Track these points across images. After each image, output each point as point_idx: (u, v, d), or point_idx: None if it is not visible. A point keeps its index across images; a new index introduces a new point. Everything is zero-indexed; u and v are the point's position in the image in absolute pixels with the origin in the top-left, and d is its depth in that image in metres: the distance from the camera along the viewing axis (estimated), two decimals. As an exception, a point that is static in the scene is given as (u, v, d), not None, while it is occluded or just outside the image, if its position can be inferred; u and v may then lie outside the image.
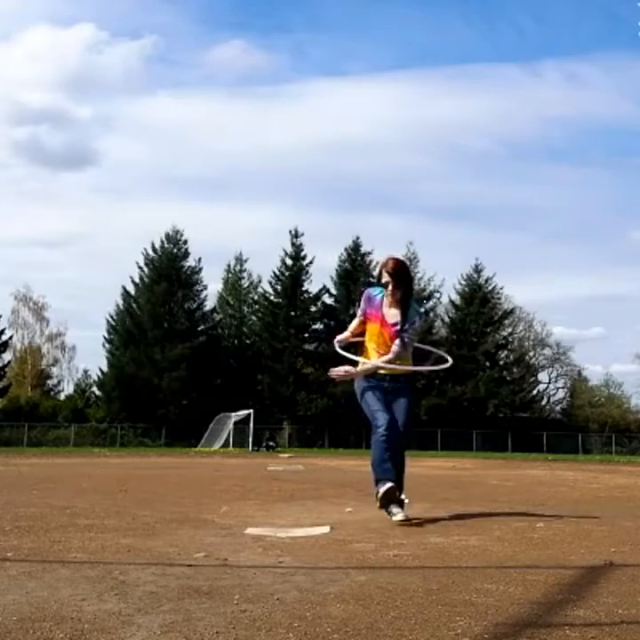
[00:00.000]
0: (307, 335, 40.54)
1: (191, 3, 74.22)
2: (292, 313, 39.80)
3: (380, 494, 4.30)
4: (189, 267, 40.20)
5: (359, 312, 4.71)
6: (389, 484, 4.28)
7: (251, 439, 30.37)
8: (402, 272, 4.53)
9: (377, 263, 41.88)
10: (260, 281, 44.50)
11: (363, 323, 4.67)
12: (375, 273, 4.68)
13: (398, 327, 4.47)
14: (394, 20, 73.50)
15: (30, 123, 69.92)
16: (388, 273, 4.46)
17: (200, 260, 40.53)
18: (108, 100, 72.26)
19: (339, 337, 4.72)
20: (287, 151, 70.65)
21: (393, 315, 4.50)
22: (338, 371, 4.58)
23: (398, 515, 4.27)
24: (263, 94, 70.18)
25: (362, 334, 4.68)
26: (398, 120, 71.54)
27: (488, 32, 72.75)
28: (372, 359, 4.55)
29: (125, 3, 75.02)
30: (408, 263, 5.01)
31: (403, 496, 4.47)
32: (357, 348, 4.77)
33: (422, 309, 4.44)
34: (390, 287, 4.46)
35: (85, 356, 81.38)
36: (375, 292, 4.62)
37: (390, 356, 4.49)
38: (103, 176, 67.84)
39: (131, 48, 69.08)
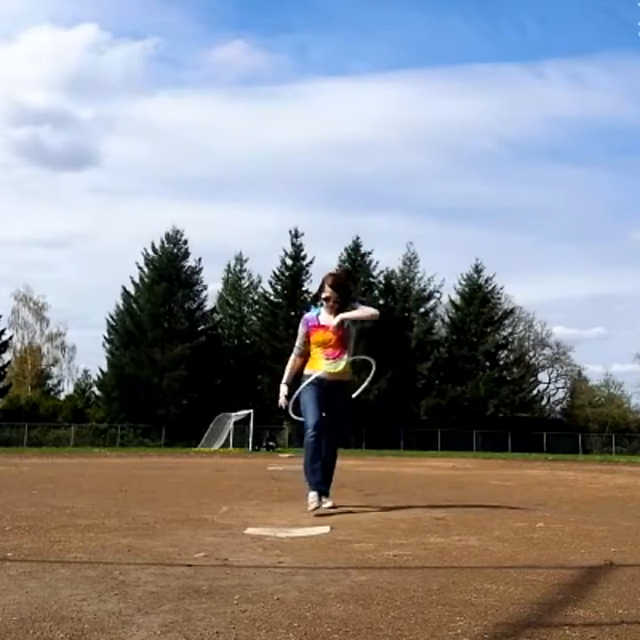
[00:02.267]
0: (307, 335, 40.53)
1: (193, 3, 74.23)
2: (292, 313, 39.71)
3: (309, 507, 4.78)
4: (189, 267, 40.22)
5: (298, 341, 5.16)
6: (315, 498, 4.81)
7: (251, 439, 30.37)
8: (341, 285, 5.07)
9: (376, 263, 42.10)
10: (260, 281, 44.54)
11: (303, 347, 5.10)
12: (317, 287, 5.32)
13: (332, 326, 4.92)
14: (396, 19, 73.54)
15: (31, 123, 70.09)
16: (330, 287, 5.01)
17: (200, 260, 40.60)
18: (109, 100, 72.17)
19: (284, 381, 5.22)
20: (288, 151, 70.80)
21: (329, 320, 4.98)
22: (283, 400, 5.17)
23: (326, 503, 4.81)
24: (265, 94, 70.21)
25: (304, 364, 5.14)
26: (400, 120, 71.50)
27: (490, 32, 72.73)
28: (321, 362, 4.97)
29: (128, 3, 75.13)
30: (347, 275, 5.64)
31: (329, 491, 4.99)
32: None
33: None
34: (331, 302, 4.98)
35: (85, 356, 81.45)
36: (311, 313, 5.14)
37: (356, 312, 4.99)
38: (104, 176, 67.95)
39: (133, 48, 69.01)
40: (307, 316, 5.16)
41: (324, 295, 5.04)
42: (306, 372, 5.07)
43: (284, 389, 5.16)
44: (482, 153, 68.53)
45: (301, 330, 5.13)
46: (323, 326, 5.00)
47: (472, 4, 71.27)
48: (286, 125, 68.96)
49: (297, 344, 5.15)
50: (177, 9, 76.16)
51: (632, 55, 68.46)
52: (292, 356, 5.19)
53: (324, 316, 5.05)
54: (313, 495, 4.82)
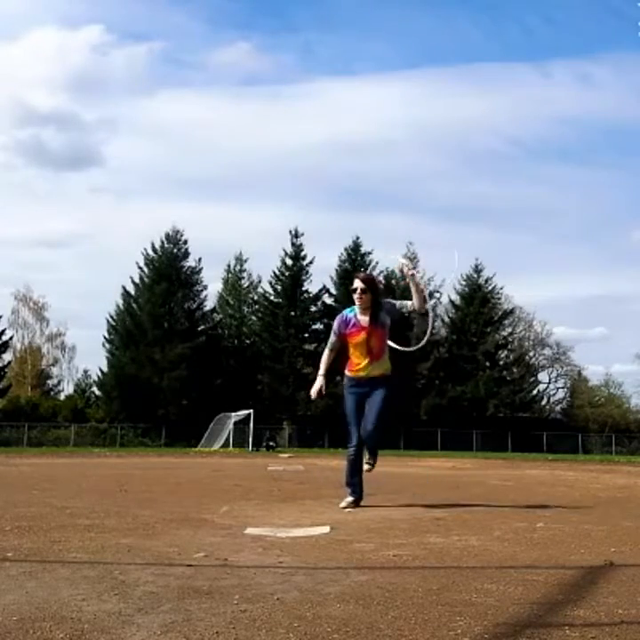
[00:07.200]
0: (307, 335, 40.50)
1: (199, 3, 73.95)
2: (292, 313, 39.77)
3: (344, 505, 5.05)
4: (189, 267, 40.19)
5: (332, 336, 5.20)
6: (351, 500, 5.11)
7: (251, 439, 30.35)
8: (367, 282, 5.13)
9: (376, 263, 42.09)
10: (260, 281, 44.53)
11: (337, 342, 5.17)
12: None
13: (369, 326, 5.02)
14: (402, 19, 73.49)
15: (35, 123, 70.16)
16: (361, 281, 5.08)
17: (200, 260, 40.56)
18: (113, 100, 72.06)
19: (320, 373, 5.21)
20: (290, 151, 70.74)
21: (365, 320, 5.07)
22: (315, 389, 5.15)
23: (365, 466, 5.16)
24: (269, 94, 70.13)
25: (338, 354, 5.25)
26: (404, 120, 71.46)
27: (497, 32, 72.37)
28: (361, 364, 5.07)
29: (133, 4, 74.99)
30: (373, 276, 5.78)
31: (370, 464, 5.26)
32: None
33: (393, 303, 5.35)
34: (357, 292, 5.03)
35: (85, 356, 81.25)
36: (347, 312, 5.17)
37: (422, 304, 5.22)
38: (105, 176, 67.88)
39: (138, 49, 68.86)
40: (346, 312, 5.19)
41: (352, 287, 5.09)
42: (347, 373, 5.19)
43: (320, 380, 5.17)
44: (488, 153, 68.51)
45: (336, 326, 5.16)
46: (364, 328, 5.06)
47: (478, 4, 71.27)
48: (290, 125, 68.93)
49: (331, 339, 5.21)
50: (183, 9, 75.82)
51: (637, 55, 68.33)
52: (326, 351, 5.25)
53: (360, 316, 5.10)
54: (349, 500, 5.08)
